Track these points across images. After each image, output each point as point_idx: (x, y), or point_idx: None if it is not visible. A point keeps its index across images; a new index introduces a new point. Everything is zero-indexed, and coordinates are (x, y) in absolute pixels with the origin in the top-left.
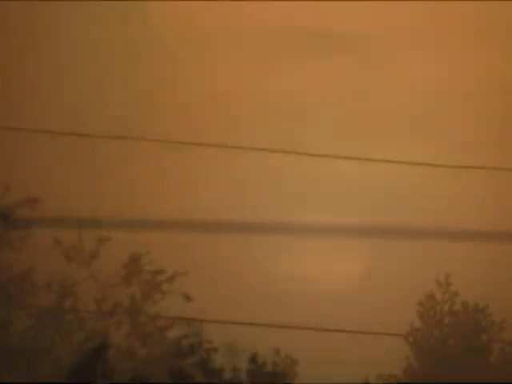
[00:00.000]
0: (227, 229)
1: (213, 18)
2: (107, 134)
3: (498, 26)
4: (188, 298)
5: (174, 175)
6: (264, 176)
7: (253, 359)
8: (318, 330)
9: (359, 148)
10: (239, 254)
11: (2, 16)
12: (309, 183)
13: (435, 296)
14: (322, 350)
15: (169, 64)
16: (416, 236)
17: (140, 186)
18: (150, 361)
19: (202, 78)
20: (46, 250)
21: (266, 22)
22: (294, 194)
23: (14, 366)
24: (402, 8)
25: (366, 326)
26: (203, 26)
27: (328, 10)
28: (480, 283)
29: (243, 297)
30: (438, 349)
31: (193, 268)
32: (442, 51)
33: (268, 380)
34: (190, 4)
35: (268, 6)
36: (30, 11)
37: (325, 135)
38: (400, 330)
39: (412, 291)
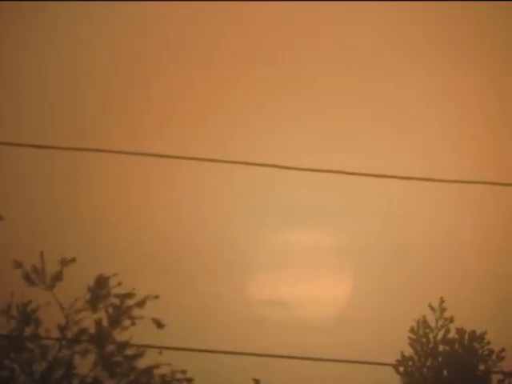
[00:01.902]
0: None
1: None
2: (68, 145)
3: (498, 35)
4: (160, 325)
5: (135, 187)
6: (244, 192)
7: None
8: (301, 359)
9: (346, 162)
10: (216, 276)
11: None
12: (291, 200)
13: (428, 322)
14: (305, 381)
15: (144, 73)
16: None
17: (103, 200)
18: None
19: (183, 88)
20: (4, 271)
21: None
22: (275, 211)
23: None
24: (395, 17)
25: (353, 354)
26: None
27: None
28: (477, 308)
29: (220, 323)
30: (431, 379)
31: (165, 292)
32: (439, 62)
33: None
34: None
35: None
36: None
37: (308, 148)
38: (390, 359)
39: (403, 317)
